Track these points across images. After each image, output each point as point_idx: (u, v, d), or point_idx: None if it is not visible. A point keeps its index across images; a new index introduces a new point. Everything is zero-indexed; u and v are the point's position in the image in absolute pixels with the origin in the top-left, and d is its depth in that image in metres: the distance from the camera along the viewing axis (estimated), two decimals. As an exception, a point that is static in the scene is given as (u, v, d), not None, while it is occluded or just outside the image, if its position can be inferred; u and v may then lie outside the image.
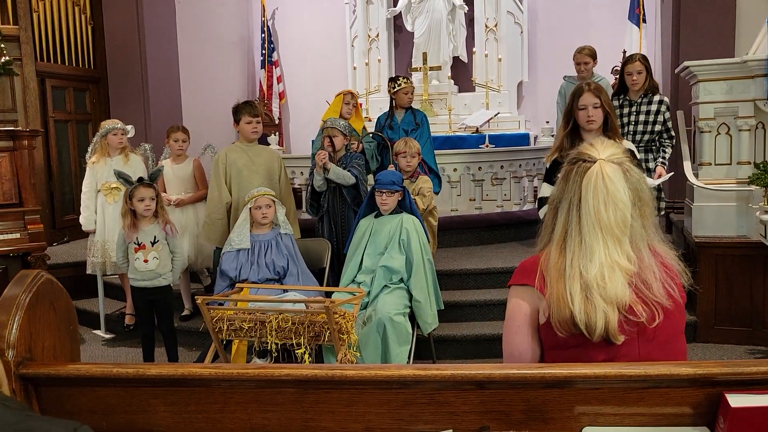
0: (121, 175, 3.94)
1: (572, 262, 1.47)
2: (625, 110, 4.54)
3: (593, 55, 5.21)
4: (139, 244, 3.91)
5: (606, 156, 1.50)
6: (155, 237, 3.93)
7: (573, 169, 1.52)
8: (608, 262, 1.45)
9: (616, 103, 4.50)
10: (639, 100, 4.49)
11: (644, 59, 4.57)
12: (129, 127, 4.97)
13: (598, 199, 1.46)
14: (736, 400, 1.24)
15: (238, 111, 4.38)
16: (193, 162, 4.84)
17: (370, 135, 5.01)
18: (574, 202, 1.49)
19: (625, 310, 1.43)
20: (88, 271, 4.91)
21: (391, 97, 5.16)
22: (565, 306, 1.44)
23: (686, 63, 4.56)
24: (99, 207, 4.83)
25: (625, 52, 8.06)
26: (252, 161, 4.38)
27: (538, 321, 1.55)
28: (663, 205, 4.62)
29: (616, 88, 4.75)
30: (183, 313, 4.84)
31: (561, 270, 1.48)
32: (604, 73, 5.87)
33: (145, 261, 3.90)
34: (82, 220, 4.90)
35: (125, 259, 3.99)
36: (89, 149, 4.98)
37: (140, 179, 3.95)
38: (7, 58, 6.31)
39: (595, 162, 1.49)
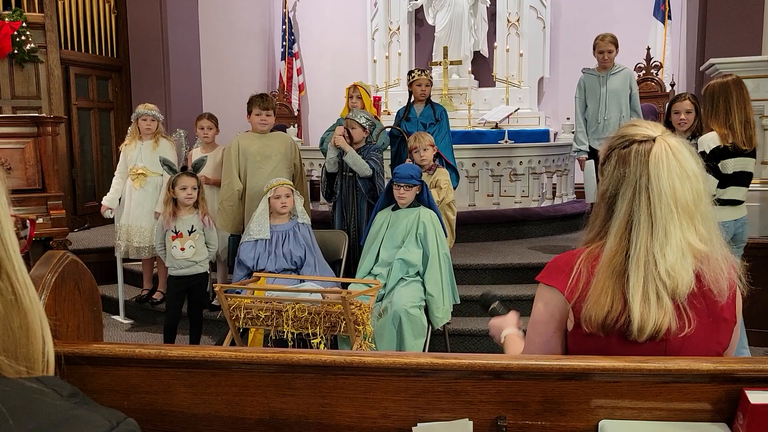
0: (165, 162, 4.02)
1: (639, 254, 1.33)
2: None
3: (616, 42, 5.02)
4: (176, 233, 3.97)
5: (660, 132, 1.37)
6: (192, 226, 3.99)
7: (629, 152, 1.37)
8: (681, 245, 1.32)
9: None
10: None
11: (694, 98, 4.24)
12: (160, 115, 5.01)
13: (673, 174, 1.32)
14: (756, 397, 1.23)
15: (250, 103, 4.46)
16: (222, 151, 4.88)
17: (388, 129, 5.00)
18: (642, 184, 1.34)
19: (682, 300, 1.33)
20: (117, 254, 5.01)
21: (409, 91, 5.15)
22: (605, 303, 1.33)
23: (712, 60, 4.51)
24: (126, 191, 4.89)
25: (649, 49, 7.98)
26: (265, 147, 4.41)
27: (565, 327, 1.44)
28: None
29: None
30: (213, 302, 4.88)
31: (617, 266, 1.34)
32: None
33: (182, 249, 3.96)
34: (104, 198, 4.96)
35: (163, 246, 4.05)
36: (129, 130, 5.04)
37: (184, 168, 4.00)
38: (32, 45, 6.40)
39: (653, 139, 1.36)
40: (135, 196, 4.84)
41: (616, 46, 5.03)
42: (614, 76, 5.02)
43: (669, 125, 4.16)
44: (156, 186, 4.83)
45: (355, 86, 4.94)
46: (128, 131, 5.02)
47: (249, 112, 4.45)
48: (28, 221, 4.51)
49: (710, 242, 1.35)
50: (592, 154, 5.04)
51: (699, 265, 1.34)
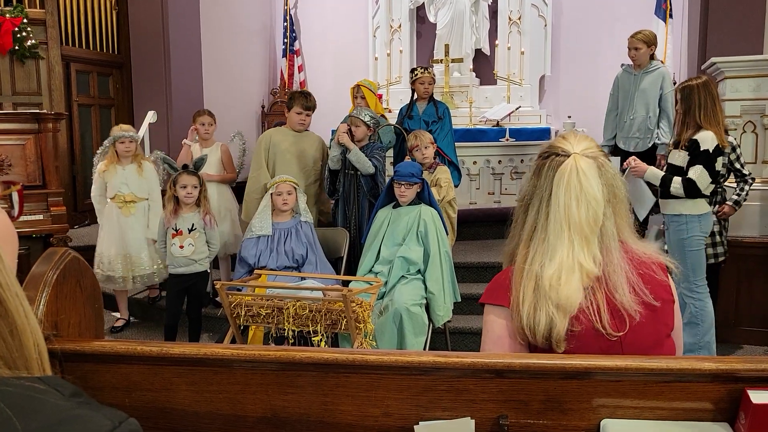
0: (166, 161, 4.02)
1: (533, 261, 1.38)
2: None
3: (647, 40, 4.81)
4: (176, 230, 3.97)
5: (580, 150, 1.40)
6: (193, 225, 3.99)
7: (545, 164, 1.42)
8: (569, 263, 1.36)
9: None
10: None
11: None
12: (139, 134, 4.88)
13: (570, 195, 1.36)
14: (759, 397, 1.23)
15: (292, 98, 4.50)
16: (220, 147, 4.88)
17: (389, 126, 4.99)
18: (545, 197, 1.40)
19: (572, 315, 1.35)
20: (107, 287, 4.63)
21: (412, 88, 5.15)
22: (518, 311, 1.37)
23: (713, 59, 4.50)
24: (112, 218, 4.63)
25: (650, 47, 7.95)
26: (296, 146, 4.43)
27: (524, 343, 1.42)
28: (721, 249, 4.12)
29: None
30: (217, 298, 4.86)
31: (521, 270, 1.40)
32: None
33: (181, 247, 3.96)
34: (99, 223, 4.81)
35: (164, 244, 4.05)
36: (98, 152, 4.76)
37: (185, 166, 4.01)
38: (33, 41, 6.39)
39: (568, 156, 1.39)
40: (129, 223, 4.60)
41: (648, 44, 4.83)
42: (647, 75, 4.89)
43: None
44: (144, 211, 4.64)
45: (358, 86, 4.93)
46: (102, 151, 4.69)
47: (289, 108, 4.46)
48: (14, 194, 3.98)
49: (607, 265, 1.38)
50: (617, 151, 4.98)
51: (596, 284, 1.37)
